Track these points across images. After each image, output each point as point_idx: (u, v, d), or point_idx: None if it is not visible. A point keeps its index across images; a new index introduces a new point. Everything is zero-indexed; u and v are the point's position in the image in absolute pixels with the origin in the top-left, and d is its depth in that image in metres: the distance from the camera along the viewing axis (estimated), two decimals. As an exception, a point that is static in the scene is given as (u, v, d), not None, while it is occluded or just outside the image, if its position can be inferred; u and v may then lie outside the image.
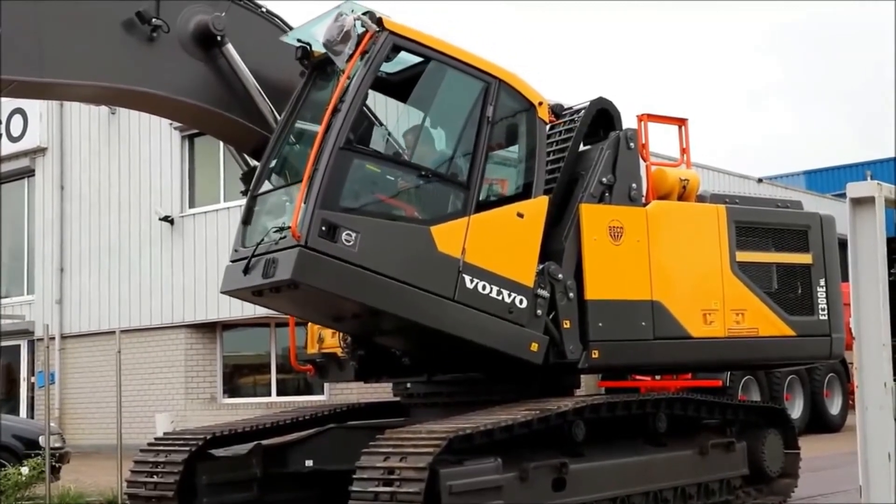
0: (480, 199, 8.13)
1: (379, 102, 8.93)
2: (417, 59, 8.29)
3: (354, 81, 7.67)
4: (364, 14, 7.79)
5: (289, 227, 7.42)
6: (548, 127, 9.82)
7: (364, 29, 7.73)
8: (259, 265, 7.78)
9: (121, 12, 8.10)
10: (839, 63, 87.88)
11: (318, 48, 8.14)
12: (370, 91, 7.91)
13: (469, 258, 7.94)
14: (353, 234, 7.48)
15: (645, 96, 79.57)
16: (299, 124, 8.58)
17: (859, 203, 3.38)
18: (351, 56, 7.68)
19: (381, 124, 8.19)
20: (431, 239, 7.81)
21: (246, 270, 7.89)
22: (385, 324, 8.26)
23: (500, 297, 8.10)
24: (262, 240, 7.92)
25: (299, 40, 8.46)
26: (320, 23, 8.11)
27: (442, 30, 8.08)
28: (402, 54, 8.16)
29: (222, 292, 8.58)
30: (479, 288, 7.99)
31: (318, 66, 8.40)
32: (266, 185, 8.46)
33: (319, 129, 7.65)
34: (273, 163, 8.48)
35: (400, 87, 8.55)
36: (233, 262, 8.30)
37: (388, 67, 8.39)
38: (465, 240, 7.92)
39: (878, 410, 3.28)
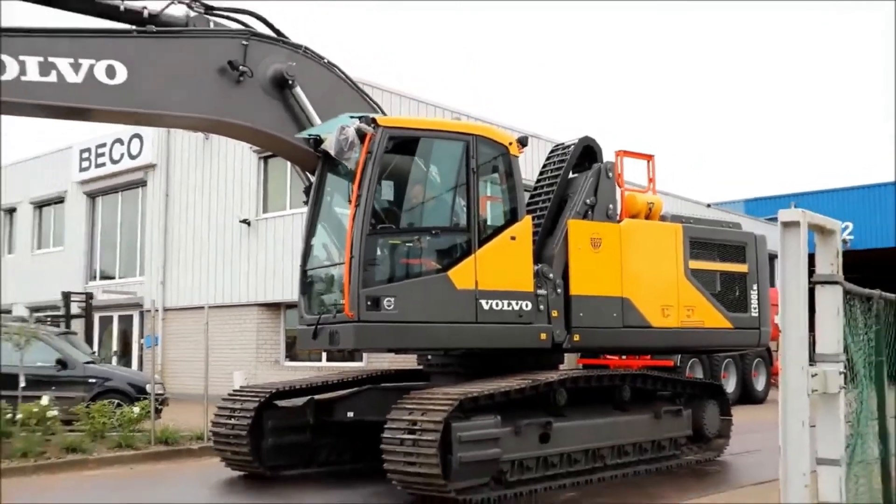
0: (480, 235, 8.01)
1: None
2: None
3: (366, 177, 7.56)
4: (361, 120, 7.72)
5: (342, 305, 7.50)
6: (543, 159, 9.82)
7: (364, 133, 7.63)
8: (324, 333, 7.89)
9: (216, 60, 8.18)
10: (769, 111, 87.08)
11: (326, 138, 8.00)
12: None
13: (481, 286, 7.90)
14: (392, 300, 7.51)
15: (622, 133, 79.13)
16: (326, 207, 8.54)
17: (787, 226, 3.37)
18: (358, 159, 7.62)
19: (393, 199, 8.01)
20: (451, 282, 7.77)
21: (314, 336, 8.01)
22: (426, 349, 8.37)
23: (510, 308, 8.08)
24: (323, 312, 8.01)
25: (310, 135, 8.40)
26: (327, 129, 8.03)
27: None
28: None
29: (299, 350, 8.71)
30: (494, 306, 7.97)
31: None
32: (313, 261, 8.48)
33: (347, 215, 7.61)
34: (313, 240, 8.48)
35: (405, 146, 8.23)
36: (301, 326, 8.38)
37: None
38: (475, 273, 7.87)
39: (796, 388, 3.29)
